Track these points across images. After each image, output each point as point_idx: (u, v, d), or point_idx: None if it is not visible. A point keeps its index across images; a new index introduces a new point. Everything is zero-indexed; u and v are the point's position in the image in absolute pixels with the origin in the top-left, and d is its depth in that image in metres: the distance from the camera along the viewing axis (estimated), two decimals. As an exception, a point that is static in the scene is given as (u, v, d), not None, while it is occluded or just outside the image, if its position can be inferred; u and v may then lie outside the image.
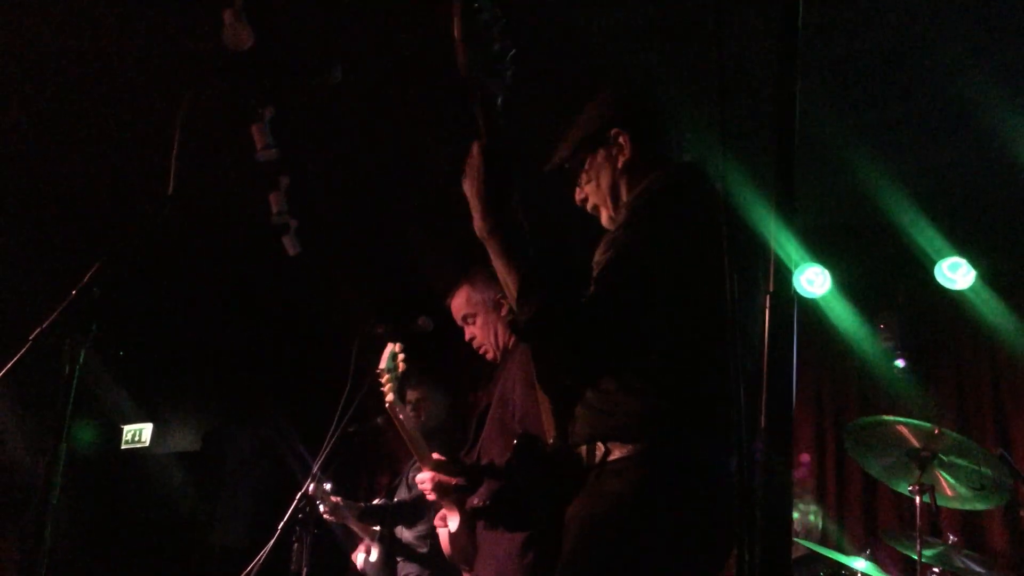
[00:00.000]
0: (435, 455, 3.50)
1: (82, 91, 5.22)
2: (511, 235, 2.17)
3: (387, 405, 3.80)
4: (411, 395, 5.71)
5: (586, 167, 2.49)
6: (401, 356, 3.89)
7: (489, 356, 3.80)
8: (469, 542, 3.39)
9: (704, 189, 2.26)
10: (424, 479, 3.43)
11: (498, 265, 2.19)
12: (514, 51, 2.11)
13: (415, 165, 5.68)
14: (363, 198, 6.34)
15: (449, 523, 3.47)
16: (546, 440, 2.34)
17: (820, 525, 5.46)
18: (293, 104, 4.85)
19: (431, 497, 3.45)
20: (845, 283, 6.16)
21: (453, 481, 3.36)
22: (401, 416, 3.77)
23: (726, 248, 1.55)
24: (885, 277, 6.25)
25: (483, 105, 2.12)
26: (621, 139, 2.43)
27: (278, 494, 5.75)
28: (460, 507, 3.42)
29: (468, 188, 2.22)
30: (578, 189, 2.53)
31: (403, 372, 3.89)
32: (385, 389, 3.82)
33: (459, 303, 3.83)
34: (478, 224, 2.19)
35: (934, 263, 5.85)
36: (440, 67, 2.12)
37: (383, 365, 3.89)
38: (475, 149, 2.19)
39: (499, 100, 2.13)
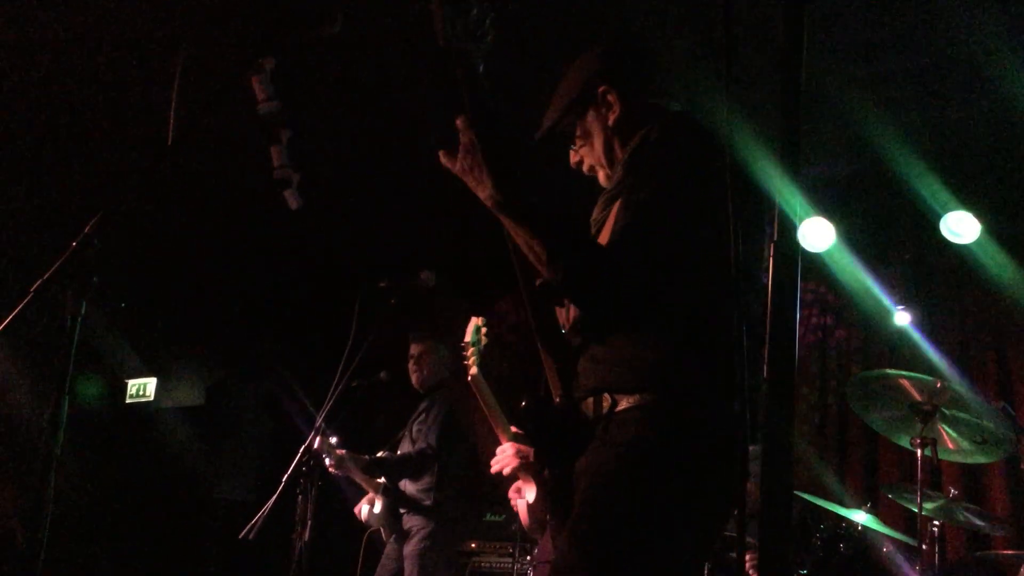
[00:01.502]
0: (514, 428, 3.52)
1: (81, 41, 5.17)
2: (526, 199, 2.13)
3: (470, 378, 3.82)
4: (414, 349, 5.73)
5: (577, 130, 2.45)
6: (484, 330, 3.90)
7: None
8: (546, 513, 3.42)
9: (698, 137, 2.23)
10: (505, 450, 3.44)
11: (518, 232, 2.14)
12: (493, 14, 2.05)
13: (419, 117, 5.63)
14: (366, 151, 6.31)
15: (526, 494, 3.50)
16: (553, 399, 2.34)
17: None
18: (294, 55, 4.81)
19: (508, 471, 3.46)
20: (849, 237, 6.14)
21: (531, 452, 3.35)
22: (484, 389, 3.79)
23: (729, 197, 1.53)
24: (890, 231, 6.23)
25: (464, 72, 2.07)
26: (609, 96, 2.39)
27: (282, 448, 5.78)
28: (538, 479, 3.44)
29: (465, 168, 2.15)
30: (572, 152, 2.49)
31: (486, 345, 3.90)
32: (469, 362, 3.84)
33: None
34: (488, 196, 2.13)
35: (939, 217, 5.82)
36: (429, 20, 2.06)
37: (468, 338, 3.91)
38: (462, 122, 2.13)
39: (480, 66, 2.08)
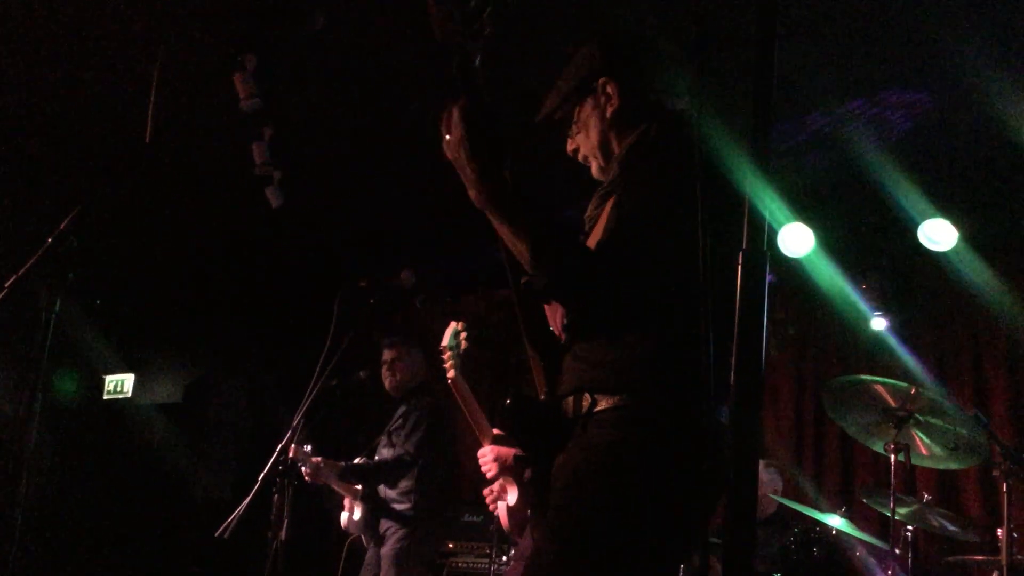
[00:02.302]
0: (495, 430, 3.52)
1: (60, 36, 5.13)
2: (512, 199, 2.11)
3: (449, 381, 3.83)
4: (386, 354, 5.71)
5: (575, 118, 2.45)
6: (464, 334, 3.90)
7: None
8: (526, 515, 3.42)
9: (694, 140, 2.22)
10: (485, 452, 3.44)
11: (503, 231, 2.13)
12: (491, 8, 2.04)
13: (401, 115, 5.63)
14: (348, 149, 6.30)
15: (508, 497, 3.50)
16: (538, 396, 2.35)
17: (780, 483, 5.51)
18: (276, 52, 4.81)
19: (492, 472, 3.46)
20: (828, 243, 6.18)
21: (512, 454, 3.35)
22: (464, 392, 3.80)
23: (700, 204, 1.54)
24: (868, 237, 6.27)
25: (461, 67, 2.05)
26: (609, 88, 2.37)
27: (260, 446, 5.77)
28: (519, 481, 3.44)
29: (454, 156, 2.13)
30: (569, 140, 2.49)
31: (465, 349, 3.90)
32: (447, 365, 3.85)
33: None
34: (474, 194, 2.12)
35: (917, 224, 5.86)
36: (425, 14, 2.04)
37: (445, 342, 3.91)
38: (456, 115, 2.11)
39: (477, 60, 2.05)
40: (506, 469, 3.40)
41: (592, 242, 2.27)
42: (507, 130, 2.12)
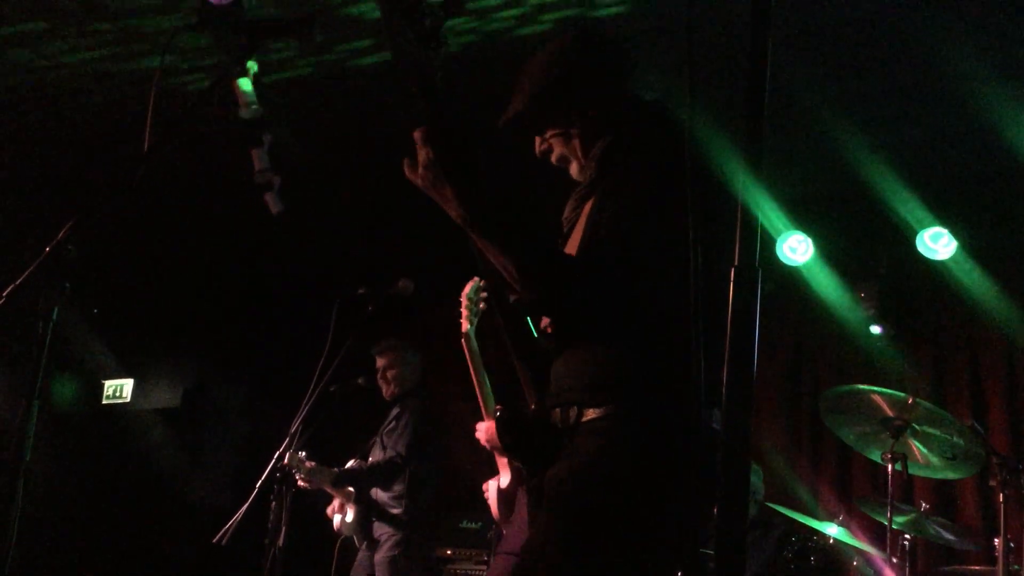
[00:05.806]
0: (499, 406, 3.51)
1: (55, 43, 5.13)
2: (494, 217, 2.08)
3: (462, 335, 3.76)
4: (379, 362, 5.70)
5: (547, 120, 2.37)
6: (484, 294, 3.83)
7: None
8: (515, 498, 3.41)
9: (672, 135, 2.17)
10: (480, 428, 3.41)
11: (489, 250, 2.10)
12: (447, 23, 1.99)
13: (400, 123, 5.63)
14: (347, 158, 6.30)
15: (501, 478, 3.47)
16: (528, 408, 2.35)
17: (761, 488, 5.44)
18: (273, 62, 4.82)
19: (485, 447, 3.44)
20: (828, 251, 6.19)
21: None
22: (474, 350, 3.74)
23: (689, 207, 1.55)
24: (867, 246, 6.28)
25: (420, 84, 2.01)
26: (583, 90, 2.32)
27: (258, 452, 5.76)
28: (511, 464, 3.41)
29: (424, 179, 2.07)
30: (538, 140, 2.42)
31: (483, 309, 3.84)
32: (462, 318, 3.79)
33: None
34: (455, 214, 2.08)
35: (916, 233, 5.87)
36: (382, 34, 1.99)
37: (466, 292, 3.83)
38: (420, 138, 2.06)
39: (438, 77, 2.02)
40: (497, 449, 3.37)
41: (571, 246, 2.25)
42: (476, 143, 2.07)
